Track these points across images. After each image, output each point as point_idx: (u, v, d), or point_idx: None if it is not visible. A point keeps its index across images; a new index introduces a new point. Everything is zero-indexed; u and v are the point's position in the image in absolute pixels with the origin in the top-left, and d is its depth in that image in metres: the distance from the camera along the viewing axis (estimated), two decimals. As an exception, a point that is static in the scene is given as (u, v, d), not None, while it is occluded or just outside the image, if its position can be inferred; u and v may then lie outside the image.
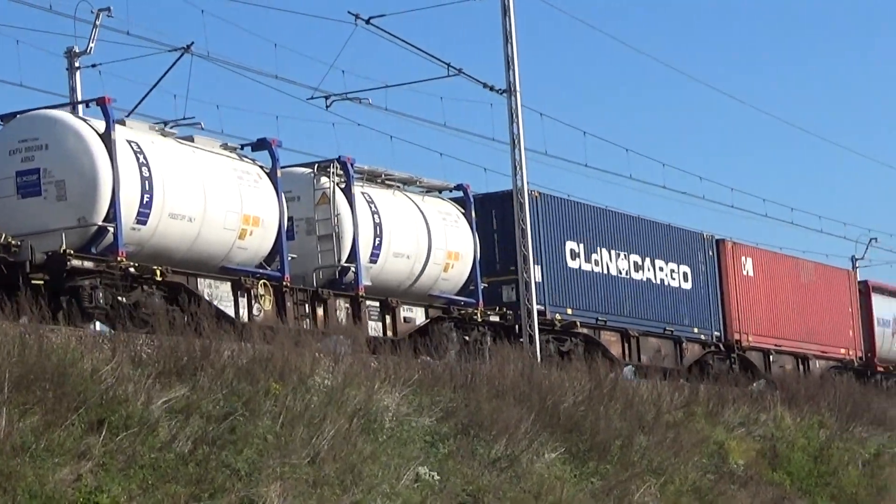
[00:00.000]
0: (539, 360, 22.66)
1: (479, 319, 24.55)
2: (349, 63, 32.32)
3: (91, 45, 26.88)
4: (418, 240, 23.79)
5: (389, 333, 22.39)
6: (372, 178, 23.81)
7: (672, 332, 30.07)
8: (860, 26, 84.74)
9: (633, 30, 70.05)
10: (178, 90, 31.68)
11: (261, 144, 21.71)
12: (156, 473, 12.76)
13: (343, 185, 22.59)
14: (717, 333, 31.55)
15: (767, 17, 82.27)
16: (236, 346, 15.01)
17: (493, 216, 26.61)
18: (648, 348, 29.22)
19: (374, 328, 22.34)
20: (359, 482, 14.40)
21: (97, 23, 26.31)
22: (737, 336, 32.08)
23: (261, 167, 21.50)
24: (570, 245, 27.71)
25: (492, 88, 26.31)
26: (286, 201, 21.73)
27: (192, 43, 25.41)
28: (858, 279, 39.13)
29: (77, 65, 27.76)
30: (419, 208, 24.31)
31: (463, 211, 25.22)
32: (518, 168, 25.92)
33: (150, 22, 63.36)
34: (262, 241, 20.96)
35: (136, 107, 23.99)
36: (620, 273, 28.92)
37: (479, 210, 25.90)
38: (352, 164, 22.75)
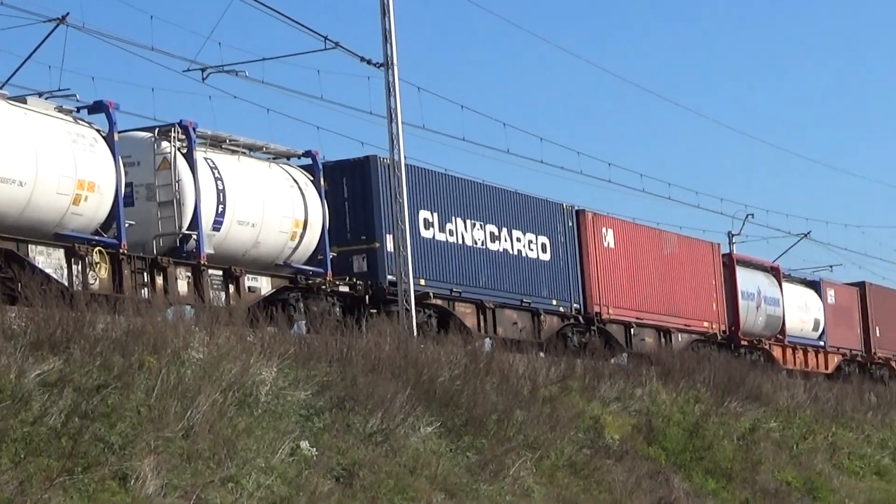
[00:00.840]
0: (415, 334, 23.55)
1: (328, 290, 25.29)
2: (226, 35, 33.05)
3: (-37, 16, 27.16)
4: (264, 207, 24.42)
5: (233, 303, 22.87)
6: (216, 143, 24.39)
7: (530, 304, 31.08)
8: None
9: (510, 3, 71.61)
10: (52, 62, 31.82)
11: (97, 107, 22.05)
12: (28, 447, 13.32)
13: (185, 151, 23.11)
14: (576, 306, 32.67)
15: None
16: (110, 318, 15.55)
17: (344, 184, 27.47)
18: (505, 320, 30.19)
19: (216, 298, 22.83)
20: (233, 456, 15.12)
21: (-31, -6, 26.59)
22: (597, 308, 33.26)
23: (97, 131, 21.83)
24: (424, 214, 28.57)
25: (369, 62, 27.39)
26: (125, 166, 22.16)
27: (67, 14, 25.86)
28: (722, 252, 40.49)
29: (-55, 35, 28.12)
30: (265, 175, 24.92)
31: (312, 178, 25.97)
32: (395, 142, 27.07)
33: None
34: (97, 206, 21.32)
35: (9, 78, 24.27)
36: (476, 243, 29.86)
37: (330, 178, 26.79)
38: (194, 129, 23.31)
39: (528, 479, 18.84)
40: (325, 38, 27.17)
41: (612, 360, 28.96)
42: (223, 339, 16.56)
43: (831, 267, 56.60)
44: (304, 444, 16.13)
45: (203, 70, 27.35)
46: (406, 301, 25.86)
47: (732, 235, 56.69)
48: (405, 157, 27.37)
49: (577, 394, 22.57)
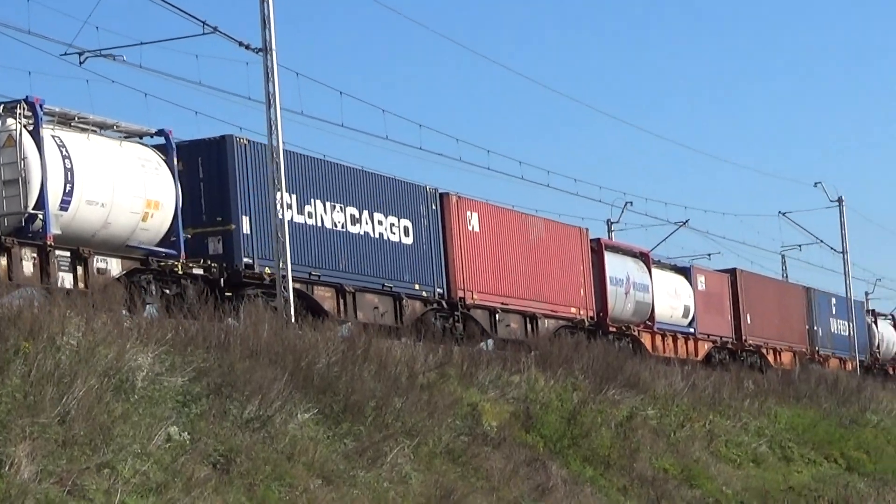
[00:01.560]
0: (293, 320, 24.28)
1: (181, 272, 25.85)
2: (104, 19, 33.61)
3: None
4: (114, 187, 24.87)
5: (81, 285, 23.33)
6: (64, 120, 24.76)
7: (391, 288, 31.77)
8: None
9: None
10: None
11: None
12: None
13: (31, 128, 23.45)
14: (439, 291, 33.38)
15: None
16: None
17: (199, 164, 28.00)
18: (365, 305, 30.88)
19: (64, 280, 23.25)
20: (110, 442, 15.79)
21: None
22: (461, 293, 34.01)
23: None
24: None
25: (247, 47, 28.26)
26: None
27: None
28: (591, 237, 41.23)
29: None
30: (116, 154, 25.36)
31: (164, 158, 26.46)
32: (273, 127, 28.00)
33: None
34: None
35: None
36: (336, 226, 30.50)
37: (186, 158, 27.31)
38: (41, 106, 23.67)
39: (406, 466, 19.73)
40: (204, 23, 28.02)
41: (478, 346, 29.83)
42: (99, 324, 17.14)
43: (709, 255, 58.62)
44: (174, 430, 16.76)
45: (80, 54, 28.04)
46: (284, 288, 26.58)
47: (611, 223, 58.45)
48: (283, 143, 28.12)
49: (454, 381, 23.51)
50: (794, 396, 36.38)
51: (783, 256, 70.65)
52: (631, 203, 57.62)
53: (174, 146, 26.73)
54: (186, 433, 16.93)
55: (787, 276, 68.39)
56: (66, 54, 28.00)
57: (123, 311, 19.73)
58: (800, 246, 67.47)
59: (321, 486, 17.90)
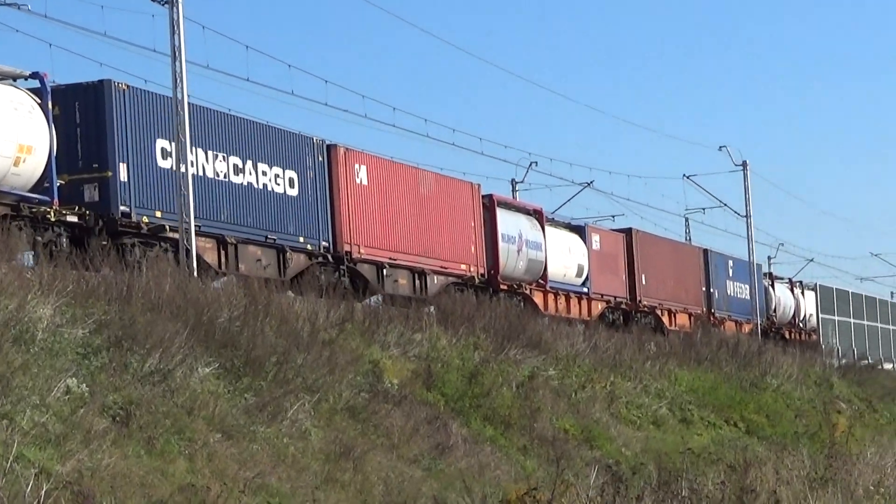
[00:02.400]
0: (195, 273, 24.79)
1: (54, 219, 26.12)
2: None
3: None
4: None
5: None
6: None
7: (275, 240, 32.22)
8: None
9: None
10: None
11: None
12: None
13: None
14: (325, 244, 33.87)
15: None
16: None
17: (76, 109, 28.19)
18: (248, 257, 31.28)
19: None
20: (8, 393, 16.33)
21: None
22: (347, 248, 34.52)
23: None
24: (162, 143, 29.32)
25: None
26: None
27: None
28: (483, 193, 41.56)
29: None
30: None
31: (39, 101, 26.63)
32: (179, 81, 28.59)
33: None
34: None
35: None
36: (218, 175, 30.88)
37: (62, 102, 27.63)
38: None
39: (306, 422, 20.42)
40: None
41: (364, 302, 30.39)
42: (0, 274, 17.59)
43: (613, 217, 59.81)
44: (73, 382, 17.28)
45: None
46: (187, 242, 27.07)
47: (516, 183, 59.46)
48: (188, 96, 28.55)
49: (356, 338, 24.21)
50: (696, 359, 37.53)
51: (687, 219, 72.18)
52: (536, 163, 58.68)
53: (49, 90, 26.87)
54: (86, 385, 17.45)
55: (690, 240, 69.92)
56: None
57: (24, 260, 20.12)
58: (703, 209, 68.92)
59: (221, 441, 18.51)
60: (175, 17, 28.63)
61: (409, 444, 22.00)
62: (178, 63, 28.55)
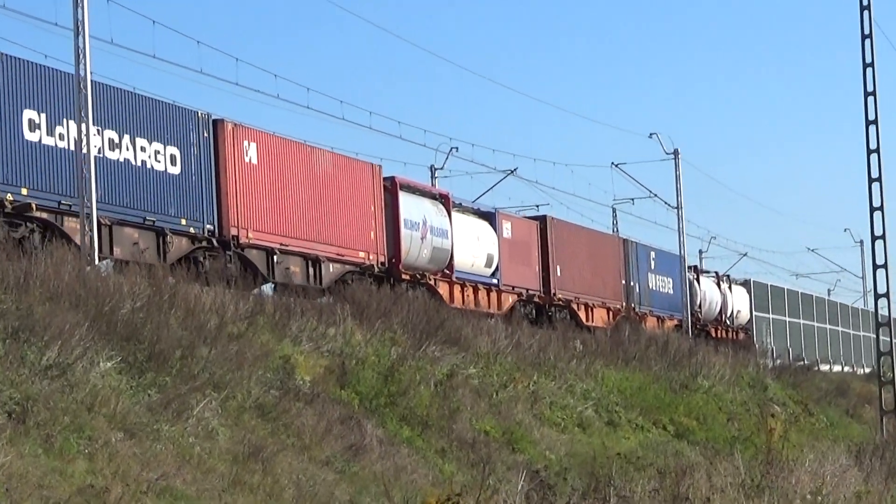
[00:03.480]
0: (93, 262, 24.89)
1: None
2: None
3: None
4: None
5: None
6: None
7: (154, 222, 31.62)
8: None
9: None
10: None
11: None
12: None
13: None
14: (209, 227, 33.38)
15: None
16: None
17: None
18: (124, 240, 30.79)
19: None
20: None
21: None
22: (234, 231, 34.00)
23: None
24: (30, 114, 28.87)
25: None
26: None
27: None
28: (385, 176, 40.93)
29: None
30: None
31: None
32: (81, 57, 28.61)
33: None
34: None
35: None
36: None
37: None
38: None
39: (213, 421, 20.67)
40: None
41: (254, 291, 30.33)
42: None
43: (537, 206, 60.19)
44: (-34, 376, 17.45)
45: None
46: (88, 227, 27.14)
47: (435, 169, 59.86)
48: (91, 73, 28.61)
49: (266, 331, 24.45)
50: (623, 358, 38.07)
51: (614, 210, 72.81)
52: (457, 148, 59.01)
53: None
54: (-25, 379, 17.61)
55: (617, 231, 70.61)
56: None
57: None
58: (633, 200, 69.57)
59: (123, 440, 18.73)
60: (76, -11, 28.74)
61: (321, 444, 22.28)
62: (80, 38, 28.59)
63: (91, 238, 27.48)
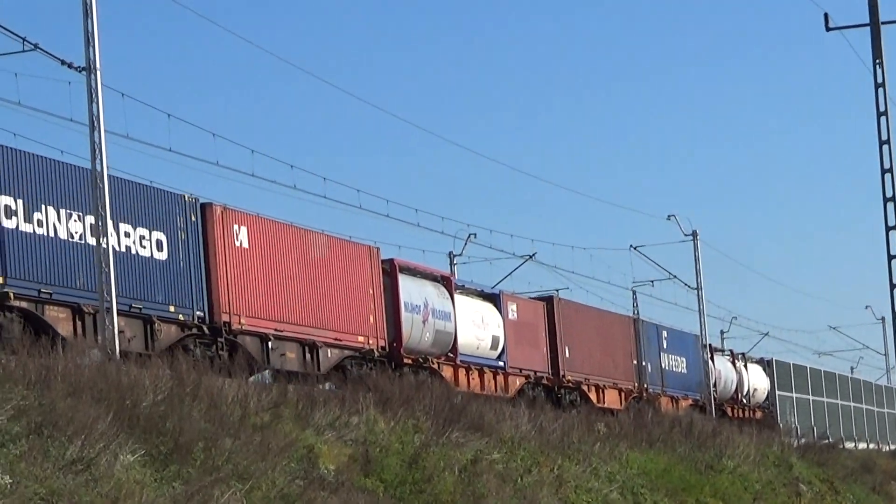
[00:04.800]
0: (114, 355, 24.92)
1: None
2: None
3: None
4: None
5: None
6: None
7: (140, 309, 30.92)
8: (466, 18, 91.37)
9: (227, 12, 74.14)
10: None
11: None
12: None
13: None
14: (199, 314, 32.77)
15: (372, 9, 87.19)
16: None
17: None
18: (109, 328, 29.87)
19: None
20: (-77, 486, 16.31)
21: None
22: (226, 318, 33.38)
23: None
24: (5, 201, 28.37)
25: (70, 65, 29.16)
26: None
27: None
28: (383, 258, 40.42)
29: None
30: None
31: None
32: (98, 152, 28.82)
33: None
34: None
35: None
36: (73, 237, 29.77)
37: None
38: None
39: (238, 513, 20.53)
40: (24, 40, 28.91)
41: (252, 378, 29.94)
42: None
43: (557, 290, 60.03)
44: (-5, 473, 17.42)
45: None
46: (109, 320, 27.20)
47: (454, 256, 59.95)
48: (108, 168, 28.78)
49: (289, 421, 24.40)
50: (647, 440, 37.84)
51: (634, 293, 72.61)
52: (475, 235, 58.94)
53: None
54: (7, 476, 17.56)
55: (638, 313, 70.40)
56: None
57: None
58: (652, 282, 69.39)
59: (149, 533, 18.65)
60: (93, 85, 28.92)
61: (347, 533, 22.15)
62: (96, 133, 28.81)
63: (112, 331, 27.50)
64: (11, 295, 27.81)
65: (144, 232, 31.60)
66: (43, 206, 29.00)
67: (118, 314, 29.58)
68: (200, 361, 28.00)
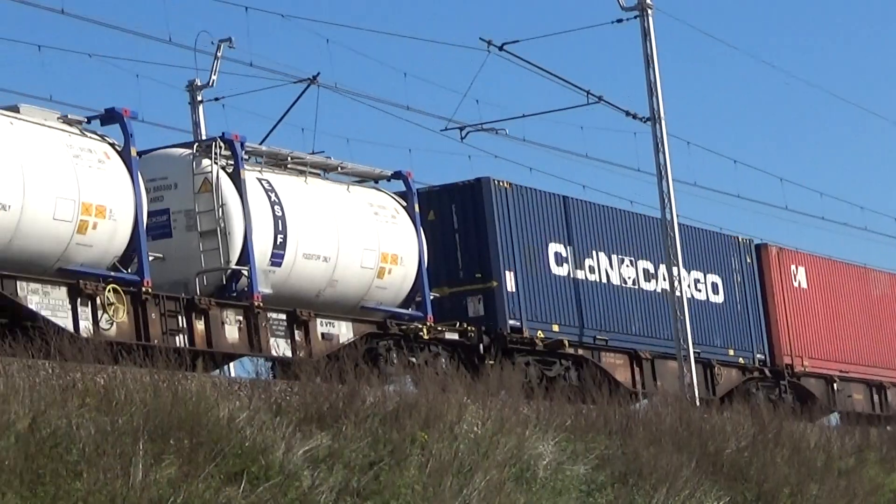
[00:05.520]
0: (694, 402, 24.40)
1: (428, 337, 24.43)
2: (483, 92, 36.45)
3: (213, 77, 30.82)
4: (339, 238, 23.56)
5: (301, 353, 22.14)
6: (276, 161, 23.59)
7: (699, 354, 29.94)
8: None
9: (783, 52, 73.82)
10: (305, 123, 34.07)
11: (111, 117, 21.06)
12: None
13: (230, 170, 22.17)
14: (759, 357, 32.16)
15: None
16: (379, 392, 16.71)
17: (453, 212, 27.11)
18: (667, 373, 29.31)
19: (278, 346, 22.31)
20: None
21: (218, 54, 30.27)
22: (787, 360, 32.69)
23: (112, 144, 21.07)
24: (555, 248, 27.98)
25: (634, 116, 29.65)
26: (160, 189, 21.95)
27: (318, 74, 29.01)
28: None
29: (199, 98, 31.44)
30: (341, 200, 24.13)
31: (405, 204, 25.19)
32: (666, 200, 29.02)
33: (274, 53, 69.96)
34: (111, 236, 20.54)
35: (263, 140, 26.09)
36: (626, 282, 29.33)
37: (437, 205, 26.78)
38: (242, 144, 22.39)
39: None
40: (588, 93, 29.75)
41: (819, 422, 28.82)
42: (496, 411, 17.64)
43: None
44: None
45: (461, 129, 30.51)
46: (686, 368, 26.79)
47: None
48: (677, 216, 28.89)
49: (874, 465, 23.17)
50: None
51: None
52: None
53: (415, 191, 25.52)
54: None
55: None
56: (446, 129, 30.44)
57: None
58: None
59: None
60: (658, 134, 29.03)
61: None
62: (664, 182, 28.93)
63: (691, 378, 27.02)
64: (566, 343, 27.33)
65: (699, 275, 31.29)
66: (593, 252, 28.73)
67: (675, 359, 29.24)
68: (764, 406, 27.30)
